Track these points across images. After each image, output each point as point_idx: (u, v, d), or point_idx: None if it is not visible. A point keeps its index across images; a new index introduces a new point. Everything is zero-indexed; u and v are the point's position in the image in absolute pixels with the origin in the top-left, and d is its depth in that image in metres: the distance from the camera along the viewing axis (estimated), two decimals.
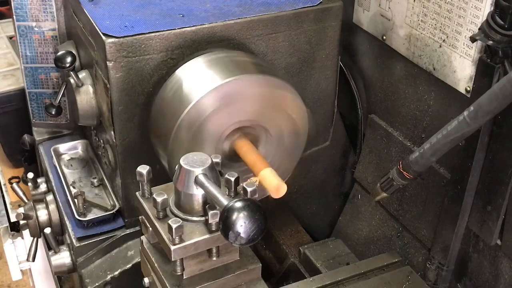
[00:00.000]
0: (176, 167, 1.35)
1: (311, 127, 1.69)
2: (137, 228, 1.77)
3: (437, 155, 1.44)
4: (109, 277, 1.73)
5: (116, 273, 1.73)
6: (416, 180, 1.57)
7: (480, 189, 1.55)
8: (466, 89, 1.56)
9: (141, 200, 1.40)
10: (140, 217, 1.45)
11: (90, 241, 1.76)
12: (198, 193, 1.33)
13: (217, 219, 1.29)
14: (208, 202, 1.34)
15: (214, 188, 1.28)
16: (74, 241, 1.76)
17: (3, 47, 2.64)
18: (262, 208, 1.20)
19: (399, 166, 1.53)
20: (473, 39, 1.41)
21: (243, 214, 1.17)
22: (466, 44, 1.52)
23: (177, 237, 1.28)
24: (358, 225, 2.05)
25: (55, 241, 1.84)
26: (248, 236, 1.18)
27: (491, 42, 1.35)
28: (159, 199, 1.32)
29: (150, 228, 1.40)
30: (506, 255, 1.55)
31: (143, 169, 1.37)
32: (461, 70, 1.56)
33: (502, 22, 1.34)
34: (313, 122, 1.79)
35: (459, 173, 1.55)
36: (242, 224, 1.17)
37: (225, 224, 1.18)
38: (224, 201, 1.23)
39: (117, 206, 1.78)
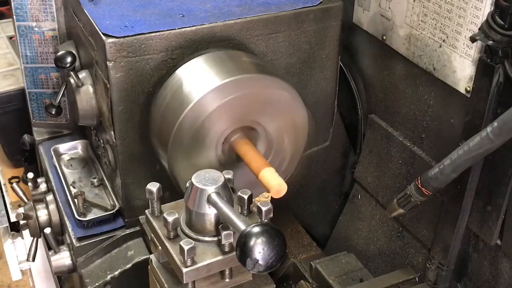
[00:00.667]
0: (187, 183, 1.31)
1: (311, 127, 1.69)
2: (137, 228, 1.77)
3: (458, 171, 1.41)
4: (109, 277, 1.73)
5: (116, 273, 1.73)
6: (435, 196, 1.53)
7: (480, 189, 1.55)
8: (466, 89, 1.56)
9: (151, 219, 1.35)
10: (149, 235, 1.40)
11: (90, 241, 1.76)
12: (210, 213, 1.28)
13: (231, 240, 1.25)
14: (221, 222, 1.29)
15: (228, 208, 1.23)
16: (74, 241, 1.76)
17: (3, 47, 2.64)
18: (281, 233, 1.16)
19: (418, 182, 1.49)
20: (473, 39, 1.41)
21: (261, 240, 1.12)
22: (466, 44, 1.52)
23: (189, 259, 1.24)
24: (358, 225, 2.05)
25: (55, 241, 1.84)
26: (266, 263, 1.13)
27: (491, 42, 1.35)
28: (170, 219, 1.27)
29: (160, 247, 1.35)
30: (506, 255, 1.55)
31: (153, 186, 1.33)
32: (461, 70, 1.56)
33: (502, 22, 1.33)
34: (313, 122, 1.79)
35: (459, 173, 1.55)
36: (260, 251, 1.12)
37: (243, 251, 1.13)
38: (241, 225, 1.18)
39: (117, 206, 1.78)
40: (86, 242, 1.76)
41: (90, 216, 1.78)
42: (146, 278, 1.74)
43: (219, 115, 1.51)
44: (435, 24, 1.61)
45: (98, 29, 1.56)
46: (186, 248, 1.22)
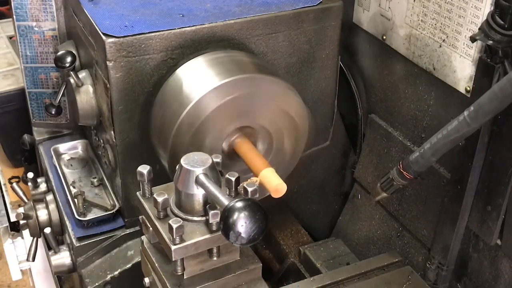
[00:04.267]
0: (177, 167, 1.35)
1: (311, 127, 1.69)
2: (137, 228, 1.77)
3: (437, 155, 1.44)
4: (109, 277, 1.73)
5: (116, 273, 1.73)
6: (416, 180, 1.57)
7: (480, 189, 1.55)
8: (466, 89, 1.56)
9: (142, 200, 1.39)
10: (140, 217, 1.45)
11: (90, 241, 1.76)
12: (198, 193, 1.33)
13: (218, 219, 1.29)
14: (209, 202, 1.34)
15: (215, 188, 1.28)
16: (74, 241, 1.76)
17: (3, 47, 2.64)
18: (262, 208, 1.20)
19: (399, 166, 1.53)
20: (473, 39, 1.41)
21: (243, 214, 1.17)
22: (466, 44, 1.52)
23: (177, 237, 1.28)
24: (358, 225, 2.05)
25: (55, 241, 1.84)
26: (249, 236, 1.18)
27: (491, 42, 1.35)
28: (159, 199, 1.32)
29: (151, 228, 1.39)
30: (506, 255, 1.55)
31: (144, 169, 1.37)
32: (461, 70, 1.56)
33: (502, 22, 1.33)
34: (313, 122, 1.79)
35: (459, 173, 1.55)
36: (243, 224, 1.17)
37: (226, 224, 1.18)
38: (225, 201, 1.23)
39: (117, 206, 1.78)
40: (86, 242, 1.76)
41: (90, 216, 1.78)
42: None
43: (219, 115, 1.51)
44: (435, 24, 1.61)
45: (98, 29, 1.56)
46: (174, 226, 1.26)
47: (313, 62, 1.80)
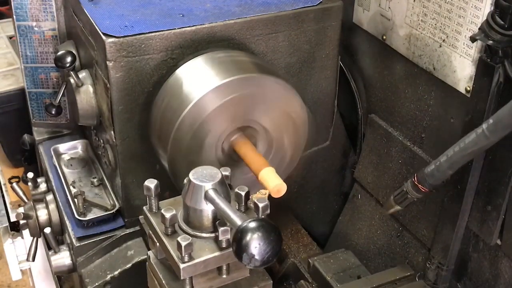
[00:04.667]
0: (185, 180, 1.31)
1: (311, 127, 1.69)
2: (137, 228, 1.77)
3: (454, 168, 1.40)
4: (109, 277, 1.73)
5: (116, 273, 1.73)
6: (431, 193, 1.53)
7: (480, 189, 1.55)
8: (466, 89, 1.56)
9: (149, 215, 1.35)
10: (148, 231, 1.40)
11: (90, 241, 1.76)
12: (207, 209, 1.28)
13: (228, 236, 1.25)
14: (218, 218, 1.30)
15: (225, 204, 1.24)
16: (74, 241, 1.76)
17: (3, 47, 2.64)
18: (277, 228, 1.16)
19: (414, 179, 1.49)
20: (473, 39, 1.41)
21: (257, 235, 1.13)
22: (466, 44, 1.52)
23: (186, 255, 1.24)
24: (358, 225, 2.05)
25: (55, 241, 1.84)
26: (262, 258, 1.13)
27: (491, 42, 1.35)
28: (167, 215, 1.27)
29: (158, 244, 1.35)
30: (506, 255, 1.55)
31: (151, 183, 1.33)
32: (461, 70, 1.56)
33: (502, 22, 1.33)
34: (313, 122, 1.79)
35: (459, 173, 1.55)
36: (256, 245, 1.13)
37: (239, 246, 1.13)
38: (237, 220, 1.18)
39: (117, 206, 1.78)
40: (86, 242, 1.76)
41: (90, 216, 1.78)
42: (146, 278, 1.74)
43: (219, 115, 1.51)
44: (435, 24, 1.61)
45: (98, 29, 1.56)
46: (183, 244, 1.22)
47: (313, 62, 1.80)
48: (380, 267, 1.94)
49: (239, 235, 1.14)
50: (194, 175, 1.29)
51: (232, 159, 1.59)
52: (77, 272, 1.78)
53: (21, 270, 2.39)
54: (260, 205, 1.30)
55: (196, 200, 1.28)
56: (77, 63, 1.79)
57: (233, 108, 1.52)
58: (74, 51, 1.81)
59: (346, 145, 2.09)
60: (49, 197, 1.94)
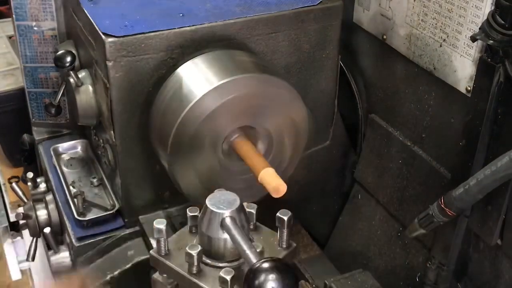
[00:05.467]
0: (203, 208, 1.24)
1: (311, 127, 1.69)
2: (137, 228, 1.77)
3: (484, 192, 1.37)
4: (109, 277, 1.72)
5: (116, 273, 1.73)
6: (458, 217, 1.49)
7: None
8: (466, 89, 1.56)
9: (163, 260, 1.25)
10: (156, 278, 1.30)
11: (90, 241, 1.76)
12: (227, 237, 1.21)
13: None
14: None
15: (241, 236, 1.16)
16: (73, 241, 1.76)
17: (3, 46, 2.64)
18: (292, 269, 1.10)
19: (441, 202, 1.45)
20: (473, 39, 1.41)
21: (271, 277, 1.06)
22: (467, 44, 1.52)
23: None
24: (358, 225, 2.05)
25: (55, 241, 1.84)
26: None
27: (491, 41, 1.35)
28: (193, 252, 1.18)
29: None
30: (507, 255, 1.55)
31: (161, 224, 1.24)
32: (462, 69, 1.56)
33: (503, 22, 1.33)
34: (313, 122, 1.78)
35: (459, 173, 1.55)
36: None
37: (251, 287, 1.07)
38: (252, 258, 1.12)
39: (117, 206, 1.78)
40: (85, 242, 1.76)
41: (89, 216, 1.77)
42: (146, 278, 1.74)
43: (219, 115, 1.50)
44: (436, 24, 1.61)
45: (97, 29, 1.56)
46: (228, 277, 1.15)
47: (313, 62, 1.80)
48: (380, 267, 1.93)
49: (251, 275, 1.07)
50: (211, 201, 1.22)
51: (232, 159, 1.59)
52: (77, 272, 1.78)
53: (20, 270, 2.38)
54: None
55: (212, 228, 1.21)
56: (76, 63, 1.78)
57: (233, 108, 1.51)
58: (73, 51, 1.80)
59: (346, 145, 2.09)
60: (49, 197, 1.94)
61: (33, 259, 2.00)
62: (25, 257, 2.08)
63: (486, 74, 1.43)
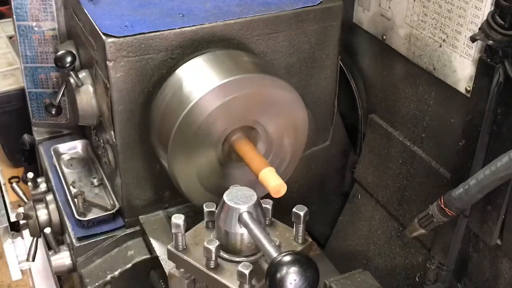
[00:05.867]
0: (221, 203, 1.25)
1: (311, 127, 1.69)
2: (137, 228, 1.77)
3: (483, 192, 1.37)
4: (109, 277, 1.73)
5: (116, 273, 1.73)
6: (458, 217, 1.49)
7: None
8: (466, 89, 1.56)
9: (180, 254, 1.26)
10: (171, 272, 1.31)
11: (90, 241, 1.76)
12: (244, 232, 1.22)
13: None
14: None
15: (260, 231, 1.17)
16: (74, 241, 1.76)
17: (3, 47, 2.64)
18: (313, 262, 1.10)
19: (440, 202, 1.45)
20: (473, 39, 1.41)
21: (293, 270, 1.06)
22: (466, 44, 1.52)
23: (250, 282, 1.17)
24: (358, 225, 2.05)
25: (55, 241, 1.84)
26: None
27: (491, 42, 1.35)
28: (212, 247, 1.19)
29: (197, 282, 1.27)
30: (506, 255, 1.55)
31: (179, 219, 1.25)
32: (461, 70, 1.56)
33: (503, 22, 1.33)
34: (313, 122, 1.78)
35: (459, 173, 1.55)
36: (291, 281, 1.06)
37: (273, 280, 1.07)
38: (272, 252, 1.12)
39: (117, 206, 1.78)
40: (86, 242, 1.76)
41: (90, 216, 1.78)
42: (146, 278, 1.74)
43: (219, 115, 1.50)
44: (435, 24, 1.61)
45: (98, 29, 1.56)
46: (247, 271, 1.16)
47: (313, 62, 1.80)
48: (380, 267, 1.94)
49: (274, 268, 1.08)
50: (228, 196, 1.23)
51: (232, 159, 1.59)
52: (77, 272, 1.78)
53: (21, 270, 2.39)
54: None
55: (230, 223, 1.22)
56: (77, 63, 1.79)
57: (233, 108, 1.52)
58: (74, 51, 1.81)
59: (346, 145, 2.09)
60: (49, 197, 1.94)
61: (33, 259, 2.00)
62: (25, 257, 2.08)
63: (485, 74, 1.43)
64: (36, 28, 1.98)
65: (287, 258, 1.08)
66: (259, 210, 1.24)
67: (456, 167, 1.58)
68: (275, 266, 1.08)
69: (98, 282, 1.73)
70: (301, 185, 2.03)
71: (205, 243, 1.21)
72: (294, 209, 1.28)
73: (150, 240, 1.70)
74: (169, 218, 1.76)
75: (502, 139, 1.45)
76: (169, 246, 1.29)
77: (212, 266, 1.23)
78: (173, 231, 1.26)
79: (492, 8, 1.38)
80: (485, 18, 1.38)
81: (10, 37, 2.66)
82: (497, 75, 1.39)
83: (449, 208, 1.44)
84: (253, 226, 1.19)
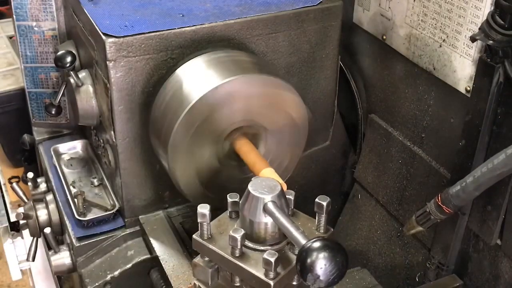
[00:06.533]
0: (246, 192, 1.26)
1: (311, 127, 1.69)
2: (137, 228, 1.77)
3: (480, 189, 1.37)
4: (109, 277, 1.73)
5: (116, 273, 1.73)
6: (455, 214, 1.50)
7: None
8: (466, 89, 1.56)
9: (205, 243, 1.27)
10: (197, 262, 1.31)
11: (90, 241, 1.76)
12: (269, 221, 1.24)
13: None
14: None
15: (286, 220, 1.19)
16: (74, 241, 1.76)
17: (3, 46, 2.64)
18: (343, 248, 1.12)
19: (438, 199, 1.46)
20: (473, 39, 1.41)
21: (323, 255, 1.08)
22: (466, 44, 1.52)
23: (276, 270, 1.19)
24: (358, 225, 2.05)
25: (55, 241, 1.84)
26: (327, 279, 1.09)
27: (491, 42, 1.35)
28: (237, 235, 1.21)
29: (221, 271, 1.29)
30: (506, 255, 1.55)
31: (204, 208, 1.26)
32: (461, 69, 1.56)
33: (502, 22, 1.33)
34: (313, 122, 1.78)
35: (459, 173, 1.55)
36: (322, 266, 1.08)
37: (304, 266, 1.09)
38: (301, 239, 1.14)
39: (117, 206, 1.78)
40: (86, 242, 1.76)
41: (90, 216, 1.78)
42: (145, 278, 1.74)
43: (219, 115, 1.50)
44: (435, 24, 1.61)
45: (98, 29, 1.56)
46: (273, 259, 1.17)
47: (313, 62, 1.80)
48: (380, 267, 1.94)
49: (304, 254, 1.10)
50: (252, 186, 1.25)
51: (232, 159, 1.59)
52: (77, 272, 1.78)
53: (21, 270, 2.39)
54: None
55: (255, 212, 1.23)
56: (77, 63, 1.79)
57: (233, 108, 1.52)
58: (74, 51, 1.81)
59: (346, 145, 2.09)
60: (49, 197, 1.95)
61: (33, 259, 2.00)
62: (25, 257, 2.08)
63: (485, 74, 1.43)
64: (36, 28, 1.98)
65: (317, 244, 1.10)
66: (282, 200, 1.26)
67: (456, 167, 1.58)
68: (305, 251, 1.10)
69: (98, 282, 1.73)
70: (301, 185, 2.03)
71: (230, 232, 1.22)
72: (317, 199, 1.30)
73: (150, 240, 1.70)
74: (169, 218, 1.77)
75: (502, 139, 1.45)
76: (194, 236, 1.30)
77: (238, 255, 1.25)
78: (199, 220, 1.27)
79: (492, 8, 1.38)
80: (485, 18, 1.38)
81: (10, 37, 2.66)
82: (497, 75, 1.39)
83: (446, 205, 1.44)
84: (279, 214, 1.20)
